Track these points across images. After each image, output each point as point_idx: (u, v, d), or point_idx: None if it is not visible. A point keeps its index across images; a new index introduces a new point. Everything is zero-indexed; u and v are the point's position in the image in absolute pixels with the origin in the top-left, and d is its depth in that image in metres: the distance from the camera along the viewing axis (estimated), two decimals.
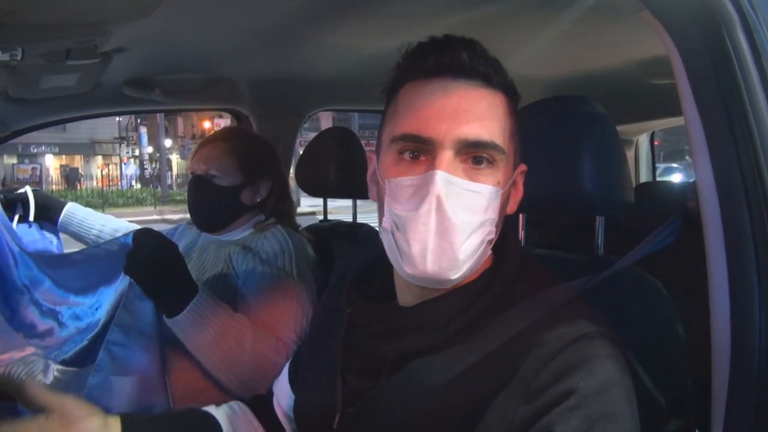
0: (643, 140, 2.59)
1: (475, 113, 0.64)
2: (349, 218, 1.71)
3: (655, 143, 2.71)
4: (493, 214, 0.64)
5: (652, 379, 0.78)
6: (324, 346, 0.79)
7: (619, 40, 1.33)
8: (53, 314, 1.26)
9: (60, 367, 1.16)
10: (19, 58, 1.00)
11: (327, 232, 1.57)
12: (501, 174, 0.65)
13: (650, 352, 0.78)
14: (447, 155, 0.62)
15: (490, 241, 0.66)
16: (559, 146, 0.85)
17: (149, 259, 1.04)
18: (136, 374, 1.05)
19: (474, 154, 0.63)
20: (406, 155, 0.65)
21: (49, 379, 1.15)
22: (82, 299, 1.21)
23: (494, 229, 0.65)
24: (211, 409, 0.90)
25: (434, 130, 0.62)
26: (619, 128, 0.90)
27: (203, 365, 1.11)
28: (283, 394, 0.91)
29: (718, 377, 0.62)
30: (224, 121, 15.06)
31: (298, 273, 1.24)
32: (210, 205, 1.34)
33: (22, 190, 1.52)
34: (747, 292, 0.61)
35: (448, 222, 0.61)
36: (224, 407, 0.91)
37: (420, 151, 0.64)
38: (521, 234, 1.03)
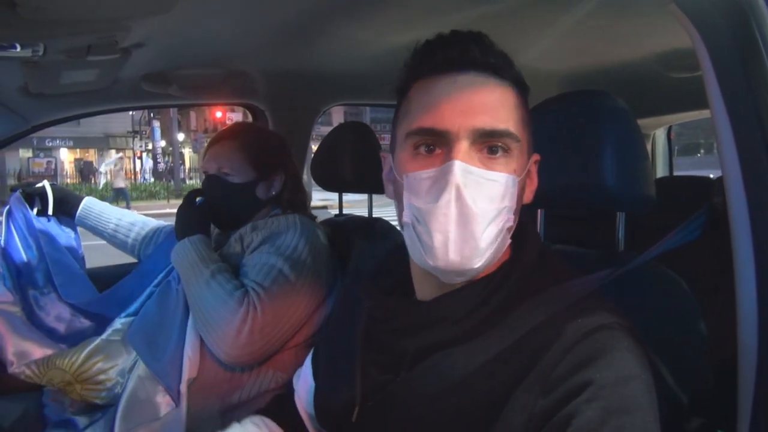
0: (660, 134, 2.56)
1: (488, 104, 0.65)
2: (360, 211, 1.71)
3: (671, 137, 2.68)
4: (510, 202, 0.65)
5: (674, 376, 0.78)
6: (344, 338, 0.80)
7: (638, 33, 1.31)
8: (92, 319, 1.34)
9: (126, 320, 1.31)
10: (41, 53, 1.01)
11: (342, 226, 1.57)
12: (516, 162, 0.66)
13: (671, 348, 0.78)
14: (463, 146, 0.63)
15: (509, 229, 0.66)
16: (580, 141, 0.84)
17: (179, 208, 1.33)
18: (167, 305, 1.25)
19: (489, 143, 0.64)
20: (422, 149, 0.66)
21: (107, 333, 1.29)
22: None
23: (512, 216, 0.66)
24: (237, 427, 0.90)
25: (449, 123, 0.64)
26: None
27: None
28: (304, 389, 0.91)
29: (744, 376, 0.62)
30: (236, 115, 15.08)
31: (295, 255, 1.22)
32: (228, 203, 1.34)
33: (40, 184, 1.54)
34: None
35: (469, 211, 0.62)
36: (249, 425, 0.91)
37: (435, 144, 0.65)
38: (540, 230, 1.02)
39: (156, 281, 1.32)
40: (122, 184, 14.77)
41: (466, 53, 0.66)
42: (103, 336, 1.26)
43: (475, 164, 0.63)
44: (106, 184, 15.30)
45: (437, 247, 0.63)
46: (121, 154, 17.28)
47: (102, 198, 1.73)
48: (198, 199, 1.35)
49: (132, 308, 1.30)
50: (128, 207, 13.40)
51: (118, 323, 1.28)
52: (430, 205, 0.63)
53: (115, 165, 14.78)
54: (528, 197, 0.72)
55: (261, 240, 1.24)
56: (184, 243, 1.25)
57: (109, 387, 1.22)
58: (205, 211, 1.33)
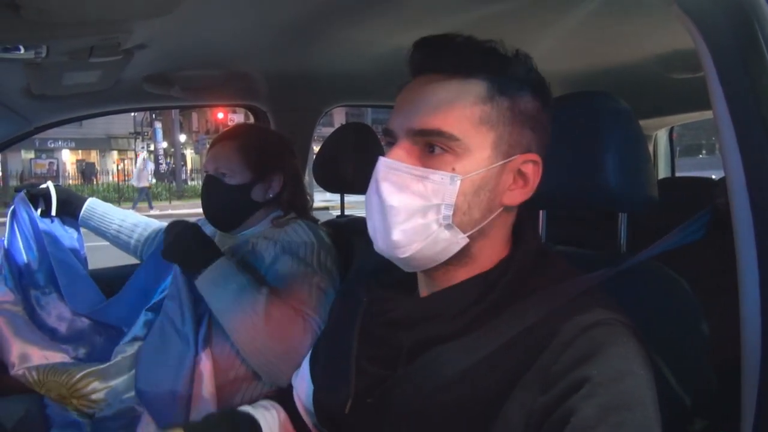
0: (662, 135, 2.56)
1: (428, 103, 0.66)
2: (361, 212, 1.71)
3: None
4: (449, 199, 0.66)
5: (676, 377, 0.78)
6: (342, 335, 0.80)
7: (639, 34, 1.31)
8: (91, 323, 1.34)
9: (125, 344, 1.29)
10: (43, 55, 1.01)
11: (344, 227, 1.57)
12: (461, 161, 0.66)
13: (673, 349, 0.77)
14: (401, 144, 0.67)
15: (447, 226, 0.66)
16: (582, 142, 0.84)
17: (177, 239, 1.20)
18: (168, 346, 1.20)
19: (424, 141, 0.67)
20: (386, 147, 0.71)
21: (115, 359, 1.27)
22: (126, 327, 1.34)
23: (449, 214, 0.66)
24: (249, 408, 0.90)
25: (393, 123, 0.69)
26: None
27: (226, 330, 1.16)
28: (303, 388, 0.92)
29: (748, 377, 0.62)
30: (238, 117, 15.10)
31: (321, 264, 1.24)
32: (221, 204, 1.35)
33: (44, 185, 1.55)
34: None
35: (383, 203, 0.66)
36: (261, 408, 0.92)
37: (392, 142, 0.69)
38: (541, 231, 1.02)
39: (150, 305, 1.32)
40: (145, 183, 14.80)
41: (420, 57, 0.69)
42: (106, 364, 1.27)
43: (412, 161, 0.66)
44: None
45: (371, 234, 0.69)
46: (145, 154, 17.43)
47: (105, 199, 1.72)
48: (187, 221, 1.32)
49: (130, 335, 1.29)
50: (134, 207, 13.46)
51: (121, 347, 1.28)
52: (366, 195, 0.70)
53: (140, 165, 14.99)
54: (514, 199, 0.69)
55: (279, 251, 1.25)
56: (221, 268, 1.17)
57: (102, 407, 1.23)
58: (203, 232, 1.28)
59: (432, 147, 0.66)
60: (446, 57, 0.68)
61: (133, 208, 13.36)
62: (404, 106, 0.68)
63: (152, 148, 21.99)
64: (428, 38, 0.70)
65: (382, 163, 0.67)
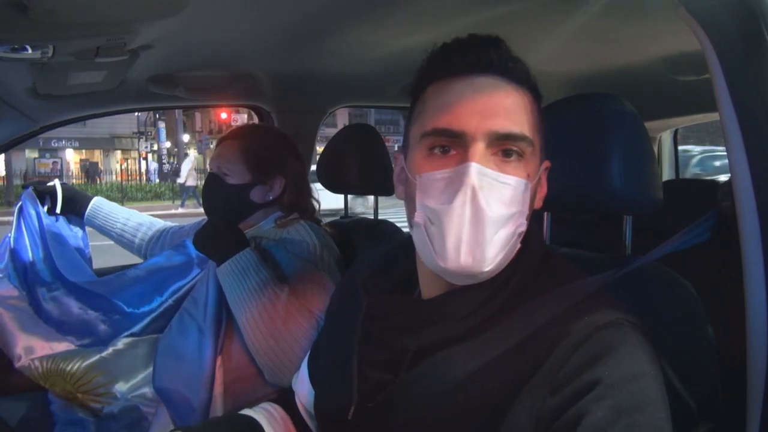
0: (667, 137, 2.56)
1: (504, 107, 0.65)
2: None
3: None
4: (523, 206, 0.65)
5: (681, 380, 0.77)
6: (341, 339, 0.79)
7: (645, 36, 1.31)
8: (98, 313, 1.33)
9: (126, 340, 1.27)
10: (50, 55, 1.01)
11: (348, 229, 1.57)
12: (530, 167, 0.66)
13: (679, 352, 0.77)
14: (479, 148, 0.63)
15: (520, 234, 0.65)
16: (588, 144, 0.84)
17: (204, 228, 1.22)
18: (189, 345, 1.19)
19: (504, 146, 0.64)
20: (437, 150, 0.66)
21: (107, 352, 1.26)
22: (135, 310, 1.31)
23: (524, 221, 0.65)
24: (251, 411, 0.90)
25: (466, 124, 0.63)
26: None
27: (239, 323, 1.15)
28: (303, 391, 0.91)
29: (754, 380, 0.61)
30: (241, 117, 15.11)
31: (324, 264, 1.25)
32: (219, 202, 1.37)
33: (51, 183, 1.55)
34: None
35: (482, 213, 0.61)
36: (262, 411, 0.92)
37: (451, 145, 0.65)
38: (546, 233, 1.02)
39: (159, 306, 1.30)
40: (192, 182, 14.73)
41: (483, 56, 0.66)
42: (103, 354, 1.26)
43: (490, 167, 0.63)
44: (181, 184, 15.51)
45: (449, 249, 0.62)
46: (192, 155, 17.56)
47: (108, 198, 1.72)
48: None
49: (136, 328, 1.28)
50: (199, 204, 13.38)
51: (119, 342, 1.27)
52: (445, 206, 0.63)
53: (187, 164, 15.01)
54: (537, 203, 0.71)
55: (282, 251, 1.25)
56: (243, 260, 1.17)
57: (109, 401, 1.23)
58: (232, 223, 1.28)
59: (510, 152, 0.64)
60: (504, 61, 0.66)
61: (199, 204, 13.25)
62: (476, 107, 0.64)
63: (156, 147, 22.04)
64: (479, 37, 0.68)
65: (476, 168, 0.62)
